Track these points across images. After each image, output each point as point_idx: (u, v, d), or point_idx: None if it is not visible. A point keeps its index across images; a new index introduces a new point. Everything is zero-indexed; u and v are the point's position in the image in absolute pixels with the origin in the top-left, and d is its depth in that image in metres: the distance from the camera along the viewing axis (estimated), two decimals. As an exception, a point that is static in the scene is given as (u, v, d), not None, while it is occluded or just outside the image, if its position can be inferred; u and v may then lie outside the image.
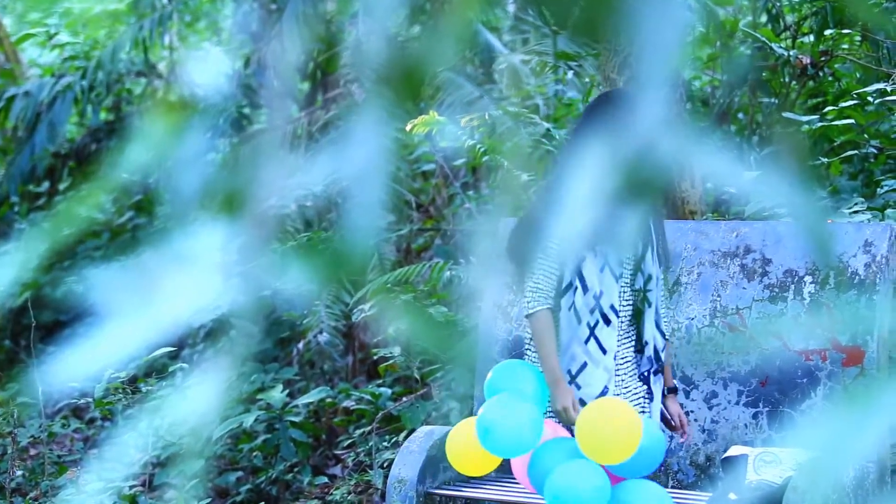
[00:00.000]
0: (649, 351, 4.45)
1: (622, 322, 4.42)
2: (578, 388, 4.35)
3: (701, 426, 5.14)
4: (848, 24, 6.70)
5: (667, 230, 4.69)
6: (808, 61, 6.59)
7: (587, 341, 4.36)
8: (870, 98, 6.24)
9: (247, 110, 9.30)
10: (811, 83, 6.88)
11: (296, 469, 6.90)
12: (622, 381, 4.42)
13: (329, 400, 7.15)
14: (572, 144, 4.69)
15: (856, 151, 6.44)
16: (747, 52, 6.95)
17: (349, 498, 6.38)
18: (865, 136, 6.43)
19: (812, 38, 6.93)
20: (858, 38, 7.02)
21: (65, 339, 5.78)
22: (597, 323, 4.36)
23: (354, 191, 1.02)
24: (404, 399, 6.69)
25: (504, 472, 5.50)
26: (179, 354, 7.56)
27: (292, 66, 8.50)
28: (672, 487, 5.10)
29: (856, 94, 6.28)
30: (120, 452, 4.57)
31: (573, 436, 4.22)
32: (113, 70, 9.46)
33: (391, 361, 6.81)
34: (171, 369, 6.45)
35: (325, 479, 6.84)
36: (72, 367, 1.06)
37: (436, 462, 5.14)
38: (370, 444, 6.48)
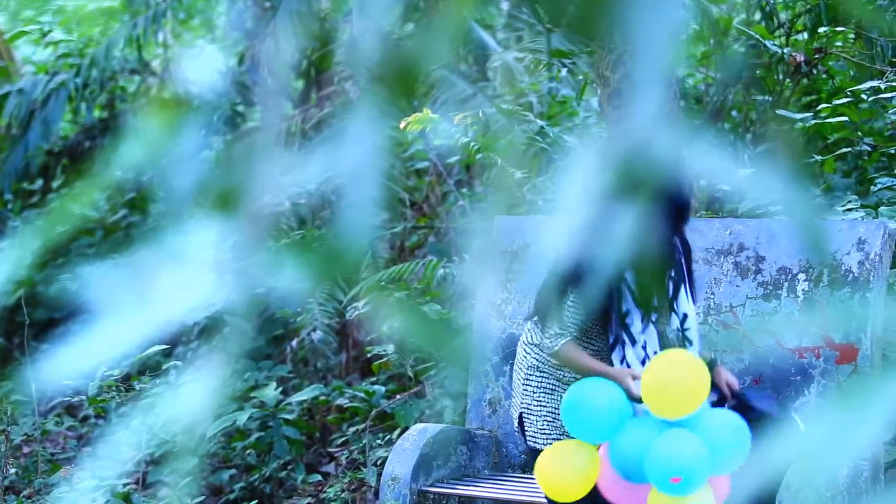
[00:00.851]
0: None
1: None
2: None
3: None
4: (842, 22, 6.71)
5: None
6: (802, 59, 6.59)
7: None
8: (863, 95, 6.25)
9: (241, 108, 9.29)
10: (805, 81, 6.88)
11: (289, 467, 6.90)
12: None
13: (323, 398, 7.14)
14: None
15: (849, 149, 6.45)
16: (741, 50, 6.95)
17: (343, 496, 6.38)
18: (859, 133, 6.44)
19: (806, 35, 6.93)
20: (852, 35, 7.02)
21: (58, 337, 5.78)
22: None
23: (348, 188, 1.02)
24: (398, 397, 6.69)
25: (497, 470, 5.50)
26: (173, 352, 7.55)
27: (286, 64, 8.50)
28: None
29: (849, 91, 6.29)
30: (113, 450, 4.56)
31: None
32: (107, 67, 9.46)
33: (385, 359, 6.81)
34: (164, 367, 6.45)
35: (319, 477, 6.84)
36: (65, 365, 1.06)
37: (429, 460, 5.14)
38: (364, 441, 6.48)
